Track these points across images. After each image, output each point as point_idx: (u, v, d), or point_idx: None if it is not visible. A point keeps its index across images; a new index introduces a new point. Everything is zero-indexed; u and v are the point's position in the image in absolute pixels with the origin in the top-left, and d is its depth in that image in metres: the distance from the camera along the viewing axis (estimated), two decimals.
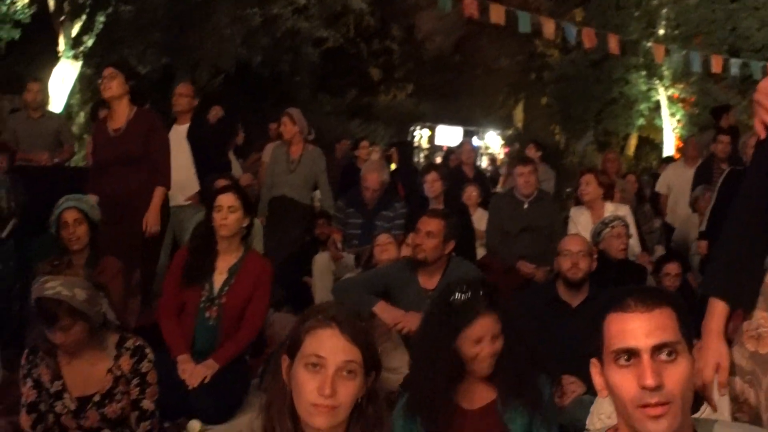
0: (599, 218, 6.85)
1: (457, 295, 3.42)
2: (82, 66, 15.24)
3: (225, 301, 5.28)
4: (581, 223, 7.23)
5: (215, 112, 10.61)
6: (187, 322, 5.32)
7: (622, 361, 1.95)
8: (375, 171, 7.85)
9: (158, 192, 6.42)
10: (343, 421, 2.24)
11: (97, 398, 3.70)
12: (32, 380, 3.73)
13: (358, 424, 2.27)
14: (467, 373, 3.46)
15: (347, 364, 2.22)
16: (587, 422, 3.97)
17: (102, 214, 5.59)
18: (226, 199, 5.25)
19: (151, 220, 6.37)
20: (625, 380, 1.94)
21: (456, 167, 11.17)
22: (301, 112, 8.75)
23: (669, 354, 1.94)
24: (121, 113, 6.38)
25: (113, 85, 6.31)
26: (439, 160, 19.35)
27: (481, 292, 3.43)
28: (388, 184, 8.23)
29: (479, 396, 3.47)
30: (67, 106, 15.11)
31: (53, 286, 3.53)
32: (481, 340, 3.37)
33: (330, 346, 2.23)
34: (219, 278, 5.32)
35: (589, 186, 7.27)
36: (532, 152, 11.83)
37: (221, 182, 7.08)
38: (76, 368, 3.72)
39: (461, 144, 12.81)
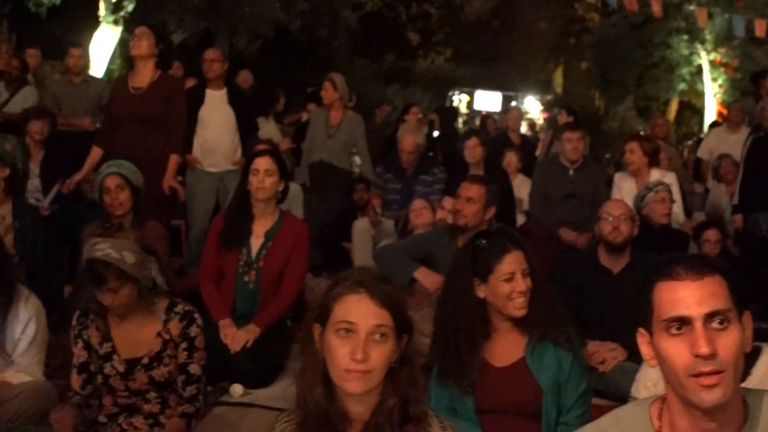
0: (644, 185, 6.76)
1: (482, 240, 3.43)
2: (123, 31, 15.30)
3: (263, 265, 5.32)
4: (625, 189, 7.14)
5: (244, 77, 10.60)
6: (226, 287, 5.37)
7: (674, 330, 1.93)
8: (410, 133, 7.83)
9: (173, 159, 6.47)
10: (377, 386, 2.25)
11: (145, 361, 3.73)
12: (83, 341, 3.77)
13: (392, 387, 2.27)
14: (494, 328, 3.46)
15: (378, 328, 2.22)
16: (632, 390, 3.96)
17: None
18: (263, 163, 5.26)
19: (173, 185, 6.45)
20: (676, 349, 1.92)
21: (499, 133, 11.11)
22: (343, 78, 8.72)
23: (720, 322, 1.92)
24: (146, 74, 6.40)
25: (143, 44, 6.35)
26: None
27: (503, 233, 3.47)
28: (425, 148, 8.19)
29: (507, 353, 3.46)
30: (108, 71, 15.20)
31: (103, 248, 3.56)
32: (513, 276, 3.36)
33: (359, 311, 2.22)
34: (256, 242, 5.35)
35: (634, 154, 7.17)
36: (563, 118, 11.72)
37: (261, 147, 7.11)
38: (125, 331, 3.76)
39: (507, 110, 12.74)
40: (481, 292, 3.40)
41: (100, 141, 6.51)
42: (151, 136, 6.33)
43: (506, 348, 3.45)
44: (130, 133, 6.36)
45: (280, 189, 5.35)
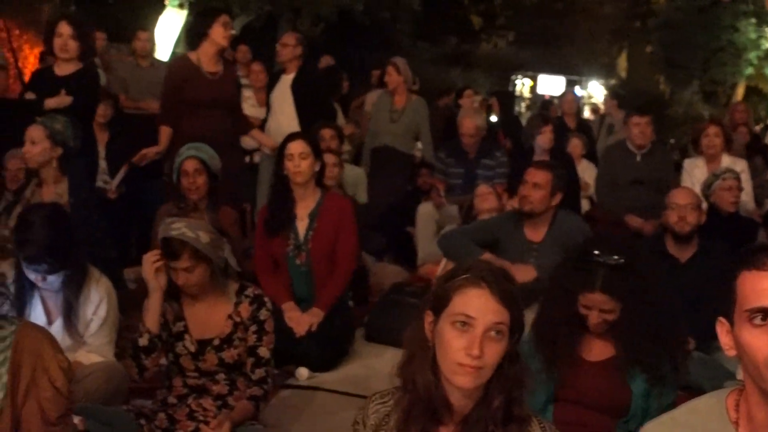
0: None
1: (590, 260, 3.36)
2: (188, 14, 15.40)
3: (311, 246, 5.34)
4: (696, 175, 7.04)
5: (326, 62, 10.63)
6: (282, 273, 5.41)
7: (758, 321, 1.89)
8: (469, 116, 7.79)
9: (256, 133, 6.84)
10: (484, 382, 2.24)
11: (216, 342, 3.77)
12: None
13: (499, 385, 2.25)
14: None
15: (496, 325, 2.20)
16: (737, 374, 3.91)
17: None
18: (296, 147, 5.27)
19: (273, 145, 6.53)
20: (758, 340, 1.88)
21: (558, 118, 11.01)
22: (405, 62, 8.71)
23: None
24: (217, 58, 6.46)
25: (230, 35, 6.48)
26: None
27: (604, 270, 3.33)
28: (486, 131, 8.15)
29: (600, 349, 3.45)
30: (173, 54, 15.32)
31: (178, 227, 3.61)
32: (589, 308, 3.34)
33: (479, 306, 2.20)
34: (301, 225, 5.37)
35: (718, 138, 7.06)
36: (608, 102, 11.53)
37: (327, 131, 7.13)
38: (197, 312, 3.81)
39: (564, 94, 12.60)
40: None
41: (167, 120, 6.50)
42: (225, 119, 6.39)
43: (601, 344, 3.44)
44: (208, 117, 6.37)
45: (317, 169, 5.36)
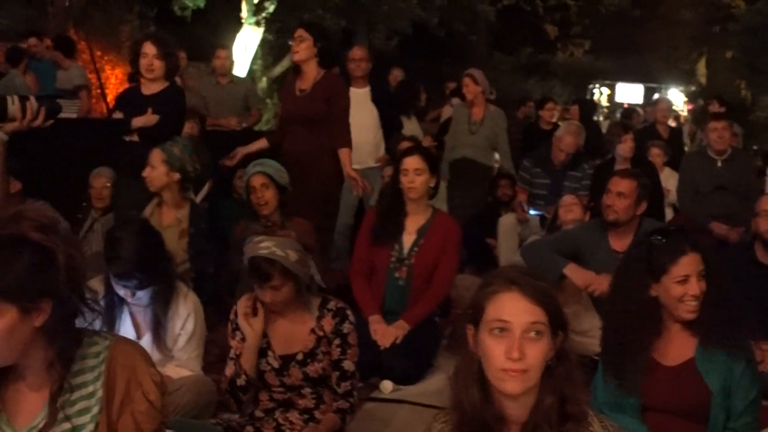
0: None
1: (659, 238, 3.32)
2: (264, 31, 15.58)
3: (414, 262, 5.33)
4: None
5: (395, 75, 10.65)
6: (377, 283, 5.41)
7: None
8: (572, 135, 7.65)
9: (345, 153, 6.47)
10: (534, 385, 2.21)
11: (299, 357, 3.78)
12: (241, 334, 3.85)
13: (549, 386, 2.22)
14: (665, 327, 3.36)
15: (533, 325, 2.17)
16: None
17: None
18: (412, 162, 5.27)
19: (353, 176, 6.43)
20: None
21: (646, 126, 10.84)
22: (482, 73, 8.68)
23: None
24: (309, 75, 6.43)
25: (300, 49, 6.36)
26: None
27: (681, 233, 3.33)
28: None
29: (677, 352, 3.36)
30: (250, 71, 15.50)
31: (268, 246, 3.63)
32: (687, 278, 3.24)
33: (513, 308, 2.18)
34: (408, 239, 5.37)
35: None
36: (715, 108, 11.33)
37: (405, 144, 7.12)
38: (280, 327, 3.82)
39: (656, 102, 12.38)
40: (654, 290, 3.30)
41: (270, 137, 6.67)
42: (311, 135, 6.39)
43: (676, 347, 3.35)
44: (294, 133, 6.43)
45: (431, 185, 5.35)
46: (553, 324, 2.21)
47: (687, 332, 3.32)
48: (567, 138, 7.59)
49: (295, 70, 6.57)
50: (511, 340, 2.16)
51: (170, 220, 5.29)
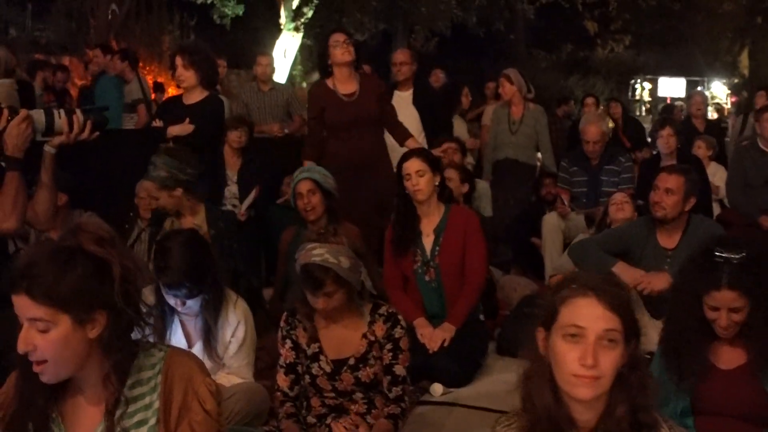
0: None
1: (713, 258, 3.26)
2: (303, 37, 15.63)
3: (439, 261, 5.31)
4: None
5: (436, 76, 10.63)
6: (412, 290, 5.40)
7: None
8: (593, 123, 7.58)
9: (413, 141, 6.56)
10: (605, 391, 2.19)
11: (351, 362, 3.79)
12: (291, 341, 3.87)
13: (621, 394, 2.20)
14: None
15: (608, 333, 2.15)
16: None
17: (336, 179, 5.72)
18: (412, 165, 5.25)
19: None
20: None
21: (685, 120, 10.72)
22: (518, 71, 8.63)
23: None
24: (352, 79, 6.47)
25: (352, 51, 6.42)
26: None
27: (730, 266, 3.21)
28: (610, 137, 7.97)
29: (733, 357, 3.33)
30: (290, 77, 15.56)
31: (320, 254, 3.64)
32: (717, 309, 3.23)
33: (588, 315, 2.16)
34: (427, 241, 5.35)
35: None
36: (763, 100, 11.14)
37: (448, 144, 7.12)
38: (332, 332, 3.83)
39: (691, 95, 12.28)
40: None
41: (308, 155, 6.57)
42: (368, 136, 6.42)
43: (732, 351, 3.32)
44: (348, 137, 6.44)
45: (436, 183, 5.32)
46: (627, 332, 2.18)
47: (742, 340, 3.29)
48: (590, 128, 7.50)
49: (328, 74, 6.56)
50: (585, 346, 2.14)
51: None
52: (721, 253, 3.23)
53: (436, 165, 5.37)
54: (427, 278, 5.35)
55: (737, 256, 3.21)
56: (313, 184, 5.55)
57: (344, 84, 6.47)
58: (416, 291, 5.38)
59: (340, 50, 6.44)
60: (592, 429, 2.23)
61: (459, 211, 5.54)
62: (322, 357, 3.82)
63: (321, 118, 6.54)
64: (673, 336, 3.34)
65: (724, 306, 3.21)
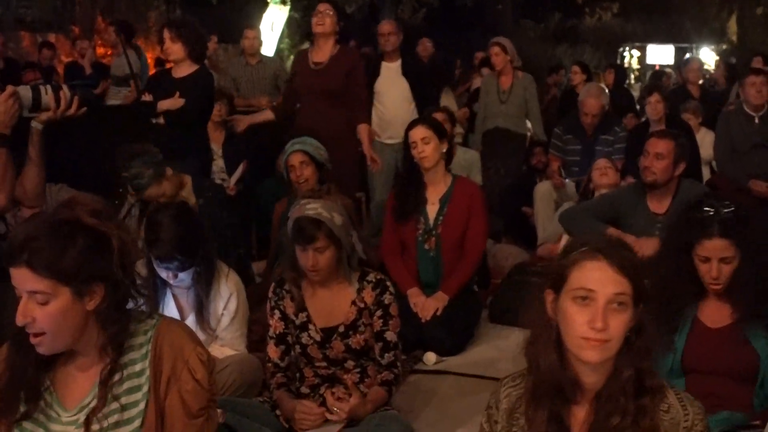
0: None
1: (703, 210, 3.30)
2: (290, 10, 15.54)
3: (441, 231, 5.33)
4: None
5: (424, 46, 10.60)
6: (409, 258, 5.41)
7: None
8: (594, 96, 7.58)
9: (364, 129, 6.52)
10: (612, 355, 2.20)
11: (341, 329, 3.79)
12: (279, 312, 3.87)
13: (627, 358, 2.20)
14: (707, 291, 3.36)
15: (617, 296, 2.15)
16: None
17: None
18: (417, 133, 5.27)
19: (371, 154, 6.53)
20: None
21: (677, 87, 10.71)
22: (509, 41, 8.63)
23: None
24: (326, 49, 6.45)
25: (327, 22, 6.38)
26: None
27: (720, 216, 3.27)
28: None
29: (720, 315, 3.36)
30: (278, 50, 15.48)
31: (314, 207, 3.65)
32: (707, 260, 3.26)
33: (599, 278, 2.16)
34: (432, 209, 5.37)
35: None
36: (758, 64, 11.08)
37: (439, 115, 7.10)
38: (320, 300, 3.84)
39: (687, 61, 12.20)
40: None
41: (275, 109, 6.80)
42: (331, 109, 6.40)
43: (720, 310, 3.35)
44: (312, 107, 6.46)
45: (443, 150, 5.34)
46: (636, 295, 2.19)
47: (730, 297, 3.32)
48: (589, 101, 7.50)
49: (311, 43, 6.60)
50: (595, 309, 2.14)
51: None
52: (711, 206, 3.28)
53: (442, 132, 5.38)
54: (426, 247, 5.37)
55: (727, 209, 3.27)
56: (306, 155, 5.54)
57: (317, 53, 6.49)
58: (412, 259, 5.39)
59: (315, 19, 6.47)
60: (598, 392, 2.23)
61: (466, 183, 5.56)
62: (310, 326, 3.82)
63: (293, 83, 6.61)
64: (661, 290, 3.35)
65: (715, 256, 3.25)
